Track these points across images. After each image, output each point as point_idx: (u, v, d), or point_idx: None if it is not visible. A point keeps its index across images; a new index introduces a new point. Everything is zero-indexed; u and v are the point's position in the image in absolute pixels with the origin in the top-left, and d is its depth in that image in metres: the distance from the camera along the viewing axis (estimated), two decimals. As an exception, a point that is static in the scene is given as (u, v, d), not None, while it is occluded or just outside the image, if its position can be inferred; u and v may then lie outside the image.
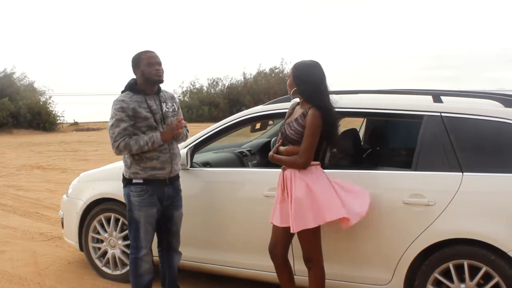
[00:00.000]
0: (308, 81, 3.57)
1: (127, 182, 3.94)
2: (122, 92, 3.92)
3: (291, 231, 3.52)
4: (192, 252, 4.41)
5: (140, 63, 3.87)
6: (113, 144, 3.77)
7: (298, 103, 3.75)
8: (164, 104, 3.96)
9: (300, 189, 3.49)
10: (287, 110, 3.83)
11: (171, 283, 4.15)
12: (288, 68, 33.83)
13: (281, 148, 3.66)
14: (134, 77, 3.96)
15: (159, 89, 3.97)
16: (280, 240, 3.69)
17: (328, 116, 3.52)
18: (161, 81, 3.91)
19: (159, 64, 3.89)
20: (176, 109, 4.08)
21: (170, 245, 4.12)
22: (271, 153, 3.72)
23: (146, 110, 3.83)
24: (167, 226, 4.07)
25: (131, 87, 3.91)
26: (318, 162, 3.59)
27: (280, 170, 3.70)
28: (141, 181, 3.87)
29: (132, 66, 3.92)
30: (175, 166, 3.99)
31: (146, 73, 3.84)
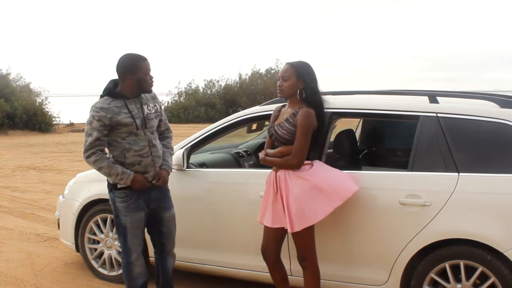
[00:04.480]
0: (315, 79, 3.63)
1: (111, 187, 3.86)
2: (101, 96, 3.81)
3: (291, 231, 3.51)
4: (187, 253, 4.41)
5: (139, 70, 3.72)
6: (84, 153, 3.73)
7: (283, 106, 3.79)
8: (146, 106, 3.83)
9: (297, 185, 3.49)
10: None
11: (164, 285, 4.13)
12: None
13: (270, 151, 3.66)
14: (113, 78, 3.82)
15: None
16: (272, 241, 3.69)
17: (323, 114, 3.58)
18: (151, 91, 3.88)
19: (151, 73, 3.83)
20: (159, 109, 3.96)
21: (163, 247, 4.06)
22: (262, 155, 3.71)
23: (126, 116, 3.73)
24: (158, 228, 4.01)
25: (109, 91, 3.78)
26: (310, 162, 3.59)
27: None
28: (125, 186, 3.77)
29: (124, 70, 3.74)
30: (159, 169, 3.88)
31: (142, 81, 3.73)
